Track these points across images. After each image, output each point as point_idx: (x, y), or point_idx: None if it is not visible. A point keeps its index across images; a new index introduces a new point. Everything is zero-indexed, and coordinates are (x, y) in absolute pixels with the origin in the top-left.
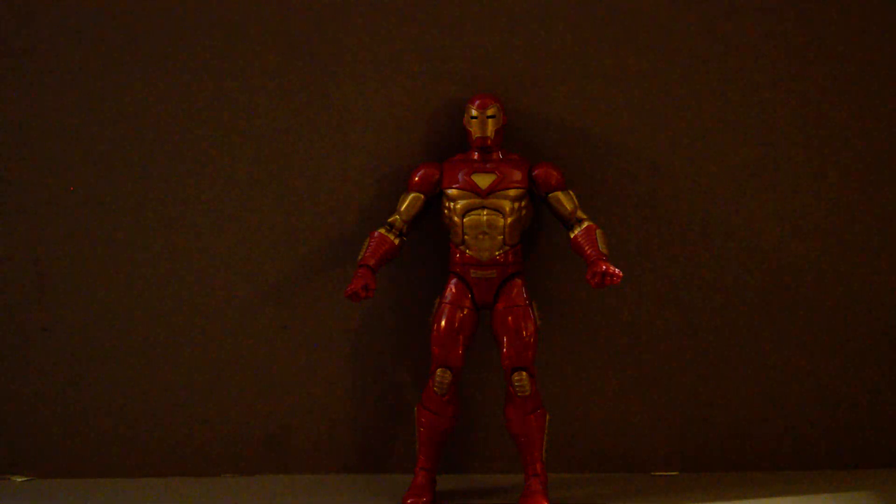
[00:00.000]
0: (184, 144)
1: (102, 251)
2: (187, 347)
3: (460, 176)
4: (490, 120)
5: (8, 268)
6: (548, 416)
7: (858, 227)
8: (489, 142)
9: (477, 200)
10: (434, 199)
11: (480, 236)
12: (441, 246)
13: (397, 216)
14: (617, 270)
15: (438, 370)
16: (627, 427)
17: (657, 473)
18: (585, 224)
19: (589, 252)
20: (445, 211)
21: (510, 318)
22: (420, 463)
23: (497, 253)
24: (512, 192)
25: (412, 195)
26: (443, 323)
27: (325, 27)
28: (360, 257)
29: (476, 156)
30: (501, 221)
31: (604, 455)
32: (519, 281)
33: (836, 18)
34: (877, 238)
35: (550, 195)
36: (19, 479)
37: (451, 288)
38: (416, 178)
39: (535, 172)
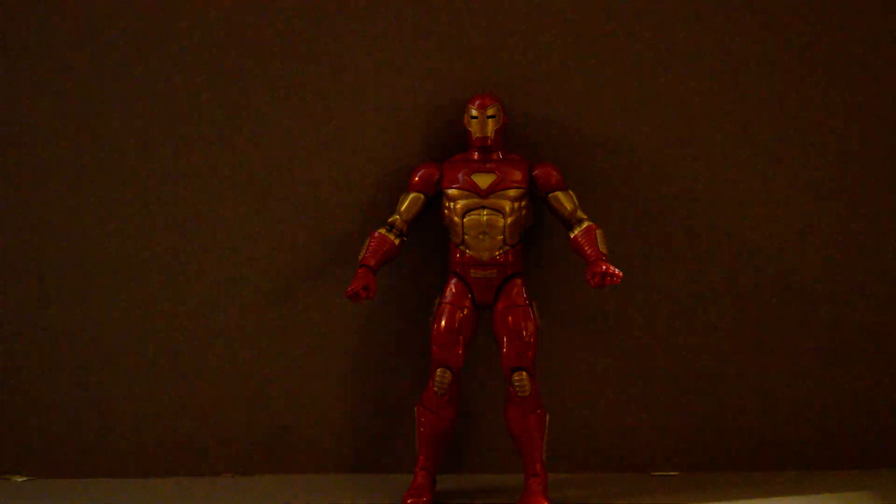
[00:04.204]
0: (184, 145)
1: (103, 252)
2: (187, 347)
3: (460, 176)
4: (490, 120)
5: (8, 268)
6: (548, 416)
7: (858, 227)
8: (489, 142)
9: (477, 200)
10: (434, 200)
11: (480, 236)
12: (441, 246)
13: (397, 216)
14: (617, 270)
15: (438, 370)
16: (627, 427)
17: (657, 473)
18: (585, 224)
19: (589, 252)
20: (445, 211)
21: (510, 318)
22: (420, 463)
23: (497, 253)
24: (512, 192)
25: (412, 195)
26: (443, 323)
27: (324, 27)
28: (360, 257)
29: (476, 156)
30: (501, 221)
31: (604, 455)
32: (519, 281)
33: (837, 18)
34: (877, 239)
35: (550, 195)
36: (19, 479)
37: (451, 288)
38: (416, 178)
39: (535, 172)
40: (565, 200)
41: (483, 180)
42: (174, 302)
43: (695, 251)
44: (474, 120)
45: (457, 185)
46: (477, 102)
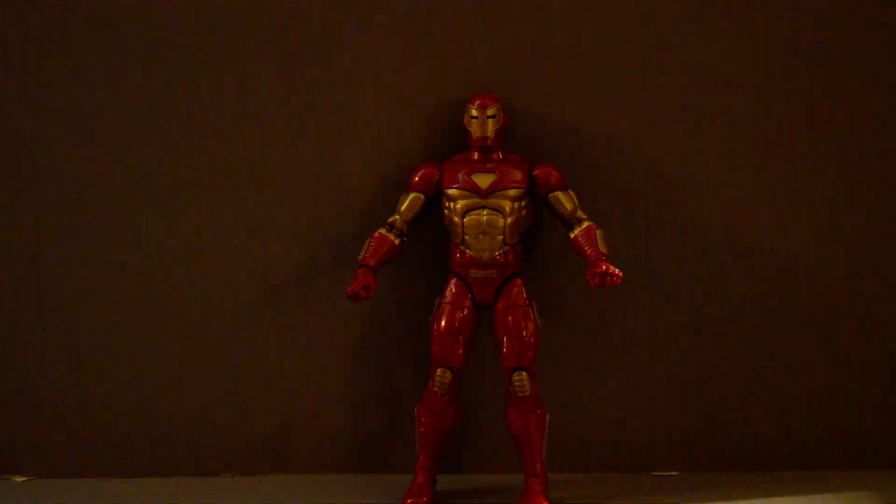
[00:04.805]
0: (184, 145)
1: (102, 251)
2: (187, 347)
3: (460, 176)
4: (490, 120)
5: (8, 268)
6: (548, 416)
7: (858, 228)
8: (489, 142)
9: (477, 200)
10: (434, 200)
11: (480, 236)
12: (441, 246)
13: (397, 216)
14: (617, 270)
15: (438, 370)
16: (627, 427)
17: (657, 473)
18: (585, 224)
19: (589, 252)
20: (445, 211)
21: (510, 318)
22: (420, 463)
23: (497, 253)
24: (512, 192)
25: (412, 195)
26: (443, 323)
27: (324, 27)
28: (360, 257)
29: (476, 156)
30: (501, 221)
31: (604, 455)
32: (519, 281)
33: (837, 18)
34: (877, 239)
35: (550, 195)
36: (19, 479)
37: (451, 288)
38: (417, 178)
39: (535, 172)
40: (565, 200)
41: (483, 180)
42: (174, 302)
43: (695, 251)
44: (474, 120)
45: (457, 185)
46: (477, 102)
